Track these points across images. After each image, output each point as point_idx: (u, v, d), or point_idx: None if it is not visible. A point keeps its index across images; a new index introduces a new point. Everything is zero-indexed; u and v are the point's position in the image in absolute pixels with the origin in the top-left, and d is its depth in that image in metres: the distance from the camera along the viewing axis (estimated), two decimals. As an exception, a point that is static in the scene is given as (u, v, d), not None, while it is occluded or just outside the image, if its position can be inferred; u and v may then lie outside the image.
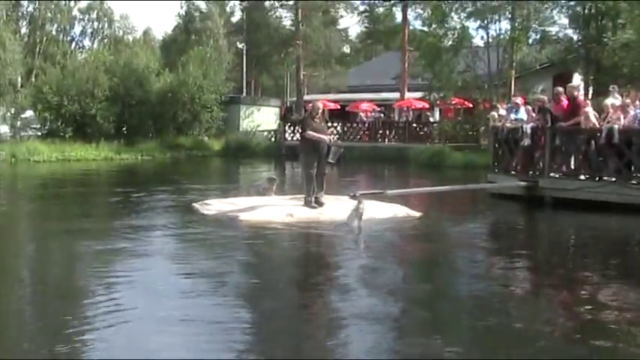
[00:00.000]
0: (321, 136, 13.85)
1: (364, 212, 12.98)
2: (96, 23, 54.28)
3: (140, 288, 8.20)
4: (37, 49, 45.38)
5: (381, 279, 8.84)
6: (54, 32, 49.41)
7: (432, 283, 8.99)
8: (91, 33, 54.51)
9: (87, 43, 54.37)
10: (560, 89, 17.52)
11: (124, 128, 41.63)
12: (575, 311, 7.61)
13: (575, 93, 16.94)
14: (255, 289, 8.35)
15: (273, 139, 43.42)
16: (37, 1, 49.12)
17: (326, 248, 11.47)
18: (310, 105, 14.65)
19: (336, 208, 13.89)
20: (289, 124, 41.92)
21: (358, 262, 10.06)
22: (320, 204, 13.90)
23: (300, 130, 14.37)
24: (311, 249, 11.31)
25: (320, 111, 14.27)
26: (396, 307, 7.74)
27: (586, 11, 34.76)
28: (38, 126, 39.78)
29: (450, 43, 36.96)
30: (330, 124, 31.86)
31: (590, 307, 7.72)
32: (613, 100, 16.31)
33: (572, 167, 16.48)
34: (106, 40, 54.25)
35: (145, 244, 11.14)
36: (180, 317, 6.91)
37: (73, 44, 52.11)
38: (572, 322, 7.24)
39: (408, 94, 41.75)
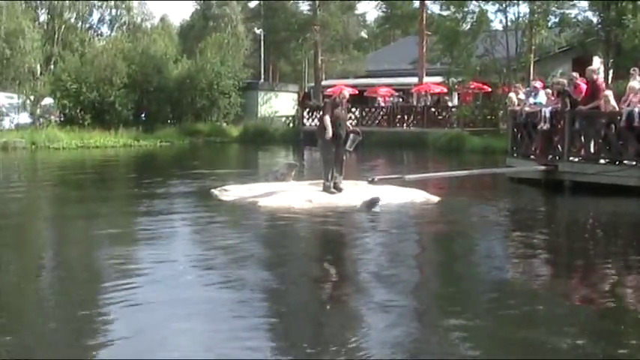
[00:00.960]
0: (328, 124, 13.66)
1: (376, 202, 13.04)
2: (114, 10, 54.30)
3: (157, 275, 8.20)
4: (56, 37, 45.46)
5: (401, 269, 8.81)
6: (72, 20, 49.48)
7: (451, 270, 8.98)
8: (109, 20, 54.54)
9: (105, 30, 54.46)
10: (575, 74, 17.43)
11: (143, 115, 41.77)
12: (596, 299, 7.60)
13: (595, 76, 16.82)
14: (275, 279, 8.27)
15: (291, 124, 43.43)
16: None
17: (345, 235, 11.44)
18: (336, 91, 14.59)
19: (354, 193, 13.90)
20: (307, 109, 41.88)
21: (378, 249, 10.04)
22: (339, 189, 13.92)
23: (318, 116, 14.39)
24: (329, 236, 11.27)
25: (345, 99, 14.31)
26: (415, 296, 7.74)
27: (606, -7, 34.45)
28: (57, 113, 39.97)
29: (469, 27, 36.71)
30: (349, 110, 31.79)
31: (610, 294, 7.70)
32: (635, 82, 16.16)
33: (592, 151, 16.38)
34: (124, 28, 54.25)
35: (163, 229, 11.19)
36: (194, 307, 6.89)
37: (92, 32, 52.14)
38: (591, 312, 7.20)
39: (426, 79, 41.55)
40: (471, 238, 11.19)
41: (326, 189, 13.87)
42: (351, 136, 14.04)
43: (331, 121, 13.68)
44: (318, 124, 14.07)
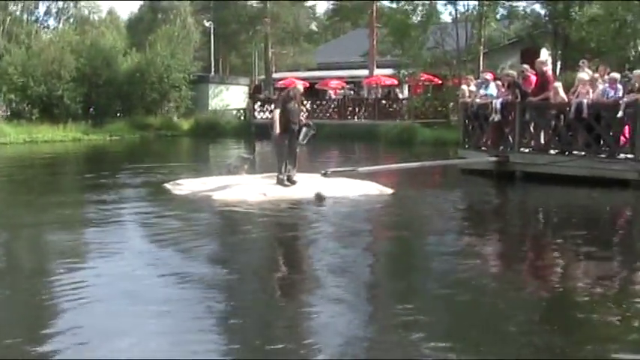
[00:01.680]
0: (276, 121, 13.69)
1: (323, 192, 13.15)
2: (61, 3, 53.40)
3: (103, 270, 8.06)
4: (1, 30, 44.62)
5: (354, 262, 8.79)
6: (18, 12, 48.59)
7: (403, 263, 9.00)
8: (56, 13, 53.63)
9: (52, 23, 53.54)
10: (526, 66, 17.60)
11: (92, 109, 41.26)
12: (546, 285, 7.69)
13: (544, 68, 17.04)
14: (226, 274, 8.14)
15: (242, 117, 43.29)
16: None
17: (298, 228, 11.41)
18: (288, 83, 14.57)
19: (308, 186, 13.90)
20: (258, 102, 41.74)
21: (332, 242, 10.00)
22: (292, 182, 13.90)
23: (270, 109, 14.38)
24: (283, 229, 11.21)
25: (300, 93, 14.33)
26: (366, 290, 7.75)
27: (553, -14, 34.89)
28: (4, 108, 39.27)
29: (419, 19, 36.93)
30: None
31: (560, 280, 7.81)
32: (584, 74, 16.39)
33: (542, 142, 16.58)
34: (71, 20, 53.47)
35: (114, 226, 11.03)
36: (141, 303, 6.79)
37: (38, 24, 51.26)
38: (538, 302, 7.26)
39: (376, 71, 41.68)
40: (423, 230, 11.23)
41: (280, 182, 13.84)
42: (304, 129, 14.02)
43: (283, 116, 13.65)
44: (270, 117, 14.04)
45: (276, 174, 14.07)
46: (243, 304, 6.98)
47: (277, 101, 14.00)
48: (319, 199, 13.05)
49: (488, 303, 6.98)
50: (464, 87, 19.79)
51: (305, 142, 14.20)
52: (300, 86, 14.72)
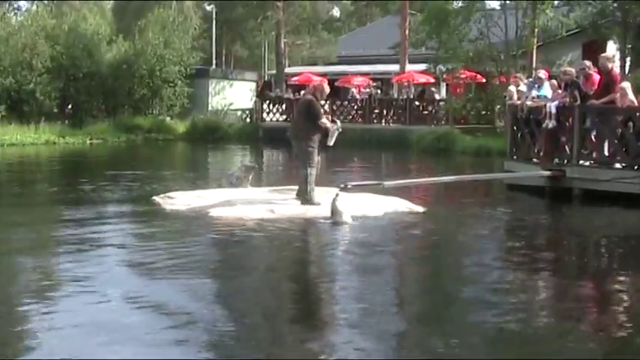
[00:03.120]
0: (329, 124, 14.16)
1: (342, 206, 13.06)
2: (34, -20, 53.91)
3: (76, 302, 8.02)
4: (-37, 11, 44.96)
5: (377, 297, 8.73)
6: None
7: (438, 298, 8.93)
8: (29, -8, 54.15)
9: (23, 3, 53.97)
10: (588, 63, 17.50)
11: (69, 107, 41.44)
12: (609, 336, 7.61)
13: (610, 65, 16.93)
14: (224, 316, 8.01)
15: (248, 119, 43.42)
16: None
17: (312, 255, 11.39)
18: (315, 85, 14.62)
19: (325, 203, 13.86)
20: (268, 101, 41.86)
21: (349, 270, 9.98)
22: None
23: (297, 111, 14.45)
24: (294, 255, 11.13)
25: (326, 93, 14.60)
26: (396, 327, 7.71)
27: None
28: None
29: (460, 5, 36.94)
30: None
31: (625, 328, 7.70)
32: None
33: (606, 154, 16.49)
34: (46, 1, 53.89)
35: (90, 246, 10.95)
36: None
37: (7, 5, 51.58)
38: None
39: (408, 67, 41.71)
40: (459, 258, 11.14)
41: (308, 201, 13.80)
42: (332, 129, 14.07)
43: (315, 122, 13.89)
44: (297, 125, 14.11)
45: (284, 187, 14.09)
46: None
47: (316, 108, 13.96)
48: (336, 214, 13.03)
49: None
50: (512, 87, 19.76)
51: (332, 143, 14.26)
52: (327, 86, 14.78)
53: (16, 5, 52.32)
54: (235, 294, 8.80)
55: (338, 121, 14.79)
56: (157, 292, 8.50)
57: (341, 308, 8.14)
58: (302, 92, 17.94)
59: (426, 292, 9.25)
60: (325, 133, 14.07)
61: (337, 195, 13.31)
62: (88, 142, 36.79)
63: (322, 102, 34.02)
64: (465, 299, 8.70)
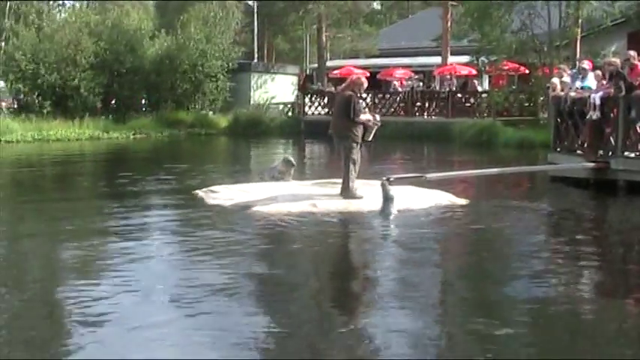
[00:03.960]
0: (370, 117, 14.26)
1: (393, 197, 13.24)
2: (78, -24, 54.21)
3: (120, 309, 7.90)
4: (7, 8, 45.39)
5: (420, 291, 8.71)
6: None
7: (482, 292, 8.88)
8: (73, -12, 54.47)
9: (67, 0, 54.35)
10: (633, 53, 17.32)
11: (113, 102, 41.77)
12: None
13: (655, 55, 16.77)
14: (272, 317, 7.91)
15: (290, 113, 43.48)
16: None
17: (355, 249, 11.42)
18: (353, 80, 14.62)
19: (367, 196, 13.89)
20: (309, 95, 41.88)
21: (393, 265, 9.99)
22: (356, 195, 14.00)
23: (337, 107, 14.46)
24: (338, 250, 11.17)
25: (364, 88, 14.60)
26: (436, 323, 7.70)
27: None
28: (10, 100, 39.93)
29: (503, -4, 36.66)
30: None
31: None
32: None
33: (652, 145, 16.35)
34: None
35: (134, 247, 10.92)
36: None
37: (51, 1, 52.05)
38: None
39: (450, 59, 41.53)
40: (502, 252, 11.11)
41: (351, 195, 13.87)
42: (371, 124, 14.13)
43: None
44: (338, 121, 14.14)
45: (326, 180, 14.12)
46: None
47: (355, 104, 13.97)
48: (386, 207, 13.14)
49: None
50: (555, 79, 19.61)
51: (371, 138, 14.32)
52: (364, 79, 14.78)
53: (60, 2, 52.66)
54: (279, 290, 8.83)
55: (377, 116, 14.80)
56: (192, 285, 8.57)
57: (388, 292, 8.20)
58: (338, 88, 17.85)
59: (471, 281, 9.23)
60: (365, 127, 14.10)
61: (387, 183, 13.47)
62: (131, 136, 37.09)
63: (364, 95, 34.28)
64: (508, 289, 8.69)
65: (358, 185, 14.17)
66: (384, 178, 14.53)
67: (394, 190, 13.75)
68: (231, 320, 7.29)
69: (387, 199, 13.37)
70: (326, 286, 9.15)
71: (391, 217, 13.00)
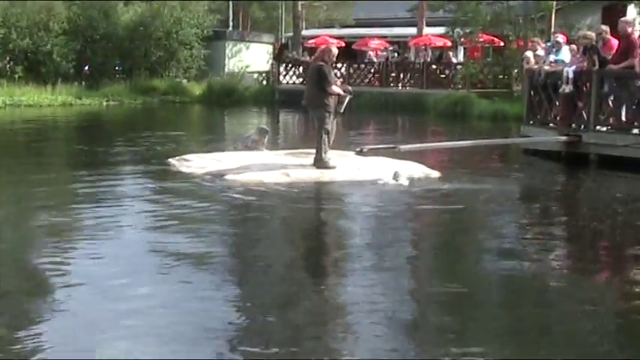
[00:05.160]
0: (341, 91, 14.21)
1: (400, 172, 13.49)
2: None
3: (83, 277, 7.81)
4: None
5: (394, 261, 8.79)
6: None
7: (452, 266, 8.93)
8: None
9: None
10: (605, 27, 17.39)
11: (87, 68, 41.51)
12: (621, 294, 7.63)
13: (629, 29, 16.78)
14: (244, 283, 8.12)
15: (265, 82, 43.37)
16: None
17: (325, 218, 11.48)
18: (323, 49, 14.61)
19: (340, 166, 13.95)
20: (285, 64, 41.77)
21: (366, 237, 10.04)
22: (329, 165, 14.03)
23: (309, 77, 14.48)
24: (309, 221, 11.25)
25: (334, 56, 14.49)
26: (408, 297, 7.76)
27: None
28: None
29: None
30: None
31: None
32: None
33: (624, 119, 16.42)
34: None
35: (106, 213, 10.91)
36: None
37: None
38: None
39: (426, 30, 41.54)
40: (473, 224, 11.21)
41: (323, 164, 13.89)
42: (341, 93, 14.15)
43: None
44: (310, 92, 14.11)
45: (305, 151, 14.17)
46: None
47: (327, 74, 13.94)
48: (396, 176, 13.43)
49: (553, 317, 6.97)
50: (529, 52, 19.68)
51: (343, 110, 14.36)
52: (335, 49, 14.73)
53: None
54: (249, 260, 8.87)
55: (349, 87, 14.81)
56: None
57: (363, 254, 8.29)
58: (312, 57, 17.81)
59: (441, 252, 9.32)
60: (338, 98, 14.11)
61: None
62: (104, 103, 36.86)
63: (339, 65, 34.23)
64: (477, 259, 8.80)
65: (332, 155, 14.21)
66: (358, 149, 14.61)
67: (366, 161, 13.84)
68: (198, 291, 7.32)
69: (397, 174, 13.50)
70: (293, 256, 9.19)
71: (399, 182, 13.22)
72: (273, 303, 7.06)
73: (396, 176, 13.42)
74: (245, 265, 8.47)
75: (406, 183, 13.25)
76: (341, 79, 34.19)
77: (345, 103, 14.26)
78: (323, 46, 15.33)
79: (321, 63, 14.02)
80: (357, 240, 9.75)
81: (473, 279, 8.10)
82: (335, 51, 14.53)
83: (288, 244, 9.80)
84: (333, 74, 14.53)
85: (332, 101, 13.93)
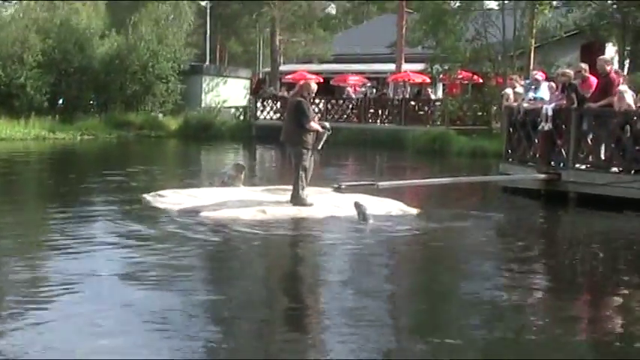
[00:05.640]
0: (319, 127, 14.18)
1: (365, 209, 13.34)
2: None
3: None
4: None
5: (369, 302, 8.74)
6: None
7: (428, 309, 8.88)
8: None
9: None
10: (584, 65, 17.51)
11: (61, 101, 41.41)
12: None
13: (608, 67, 16.94)
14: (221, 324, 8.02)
15: (242, 117, 43.39)
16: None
17: (303, 256, 11.47)
18: (302, 85, 14.64)
19: (318, 203, 13.94)
20: (262, 99, 41.85)
21: (342, 275, 10.01)
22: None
23: (287, 113, 14.51)
24: (284, 258, 11.21)
25: (314, 92, 14.53)
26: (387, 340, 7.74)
27: (622, -33, 34.78)
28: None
29: (458, 4, 36.93)
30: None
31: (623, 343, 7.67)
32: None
33: (602, 157, 16.50)
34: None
35: (75, 246, 10.88)
36: None
37: (-1, -1, 51.52)
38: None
39: (405, 66, 41.66)
40: (451, 264, 11.16)
41: (300, 202, 13.87)
42: (319, 132, 14.15)
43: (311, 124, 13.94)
44: (289, 128, 14.10)
45: (276, 186, 14.13)
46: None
47: (306, 110, 13.95)
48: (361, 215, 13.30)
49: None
50: (508, 90, 19.76)
51: (321, 147, 14.36)
52: (314, 84, 14.75)
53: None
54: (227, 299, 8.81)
55: (327, 124, 14.81)
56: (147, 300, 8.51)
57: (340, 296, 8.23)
58: (291, 92, 17.84)
59: (418, 295, 9.29)
60: (317, 135, 14.10)
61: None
62: (79, 137, 36.77)
63: (317, 100, 34.30)
64: (457, 302, 8.77)
65: (310, 192, 14.19)
66: (335, 186, 14.61)
67: (344, 198, 13.84)
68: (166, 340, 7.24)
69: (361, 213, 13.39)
70: (268, 293, 9.14)
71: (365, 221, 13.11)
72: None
73: (362, 216, 13.32)
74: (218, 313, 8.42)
75: (371, 221, 13.15)
76: (318, 115, 34.29)
77: (323, 140, 14.27)
78: (302, 82, 15.37)
79: (300, 99, 14.03)
80: (335, 282, 9.66)
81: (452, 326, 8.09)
82: (314, 86, 14.56)
83: (261, 287, 9.69)
84: (311, 110, 14.58)
85: (310, 138, 13.92)
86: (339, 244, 11.99)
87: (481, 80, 37.43)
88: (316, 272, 10.48)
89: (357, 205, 13.40)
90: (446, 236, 12.77)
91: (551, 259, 11.69)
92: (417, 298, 9.19)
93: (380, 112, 39.00)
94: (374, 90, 43.88)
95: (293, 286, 9.74)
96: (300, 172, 13.88)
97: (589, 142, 16.77)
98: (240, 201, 14.07)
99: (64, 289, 8.61)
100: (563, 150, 17.00)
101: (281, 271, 10.47)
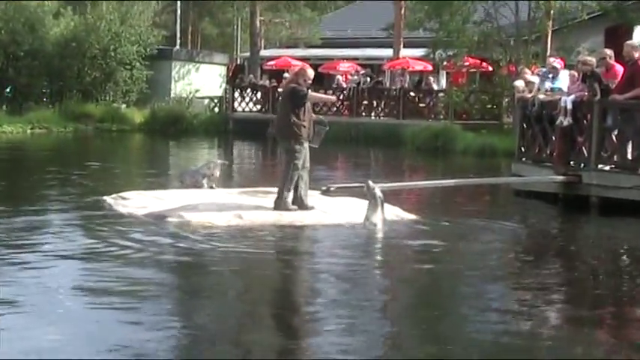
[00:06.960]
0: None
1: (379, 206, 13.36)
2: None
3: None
4: None
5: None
6: None
7: (432, 327, 8.86)
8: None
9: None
10: (609, 51, 17.48)
11: (9, 89, 41.33)
12: None
13: (636, 54, 16.93)
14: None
15: (217, 109, 43.38)
16: None
17: (282, 267, 11.37)
18: (296, 71, 14.49)
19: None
20: (240, 89, 41.83)
21: (322, 291, 9.94)
22: (307, 207, 13.91)
23: (280, 103, 14.40)
24: (258, 271, 11.03)
25: (310, 78, 14.25)
26: None
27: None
28: None
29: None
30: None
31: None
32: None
33: (629, 157, 16.52)
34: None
35: (25, 258, 10.77)
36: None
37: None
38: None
39: (403, 52, 41.75)
40: (453, 280, 10.95)
41: (283, 206, 13.73)
42: (316, 127, 14.01)
43: (303, 116, 13.70)
44: (281, 119, 13.94)
45: (256, 189, 14.08)
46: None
47: (303, 96, 13.79)
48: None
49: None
50: (517, 82, 19.73)
51: (318, 144, 14.20)
52: (311, 71, 14.52)
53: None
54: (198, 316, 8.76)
55: (323, 118, 14.71)
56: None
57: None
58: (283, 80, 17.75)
59: (412, 313, 9.26)
60: (314, 129, 13.95)
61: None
62: (29, 131, 36.70)
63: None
64: (458, 321, 8.73)
65: (309, 193, 14.09)
66: (323, 188, 14.60)
67: (332, 202, 13.82)
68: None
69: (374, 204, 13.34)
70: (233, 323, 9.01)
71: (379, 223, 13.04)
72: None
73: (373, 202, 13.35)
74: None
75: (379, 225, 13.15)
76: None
77: (322, 137, 14.10)
78: (297, 68, 15.17)
79: (293, 85, 13.79)
80: (319, 303, 9.54)
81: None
82: (311, 72, 14.20)
83: (233, 302, 9.61)
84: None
85: (305, 132, 13.65)
86: (324, 257, 11.83)
87: (490, 68, 37.49)
88: (291, 292, 10.35)
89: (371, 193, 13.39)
90: (445, 245, 12.64)
91: (568, 275, 11.56)
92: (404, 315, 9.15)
93: (375, 104, 39.07)
94: (368, 79, 43.86)
95: (265, 311, 9.33)
96: (291, 172, 13.65)
97: (614, 139, 16.75)
98: (213, 204, 14.02)
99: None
100: (584, 148, 16.98)
101: (254, 293, 10.04)
